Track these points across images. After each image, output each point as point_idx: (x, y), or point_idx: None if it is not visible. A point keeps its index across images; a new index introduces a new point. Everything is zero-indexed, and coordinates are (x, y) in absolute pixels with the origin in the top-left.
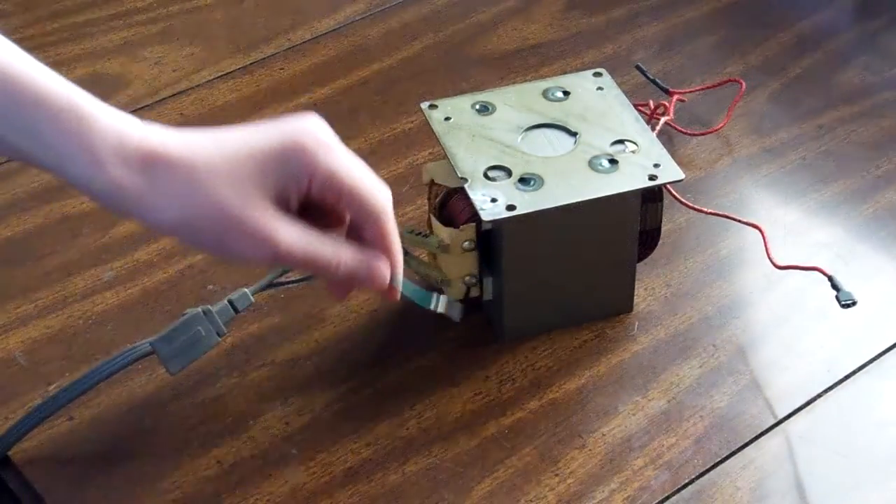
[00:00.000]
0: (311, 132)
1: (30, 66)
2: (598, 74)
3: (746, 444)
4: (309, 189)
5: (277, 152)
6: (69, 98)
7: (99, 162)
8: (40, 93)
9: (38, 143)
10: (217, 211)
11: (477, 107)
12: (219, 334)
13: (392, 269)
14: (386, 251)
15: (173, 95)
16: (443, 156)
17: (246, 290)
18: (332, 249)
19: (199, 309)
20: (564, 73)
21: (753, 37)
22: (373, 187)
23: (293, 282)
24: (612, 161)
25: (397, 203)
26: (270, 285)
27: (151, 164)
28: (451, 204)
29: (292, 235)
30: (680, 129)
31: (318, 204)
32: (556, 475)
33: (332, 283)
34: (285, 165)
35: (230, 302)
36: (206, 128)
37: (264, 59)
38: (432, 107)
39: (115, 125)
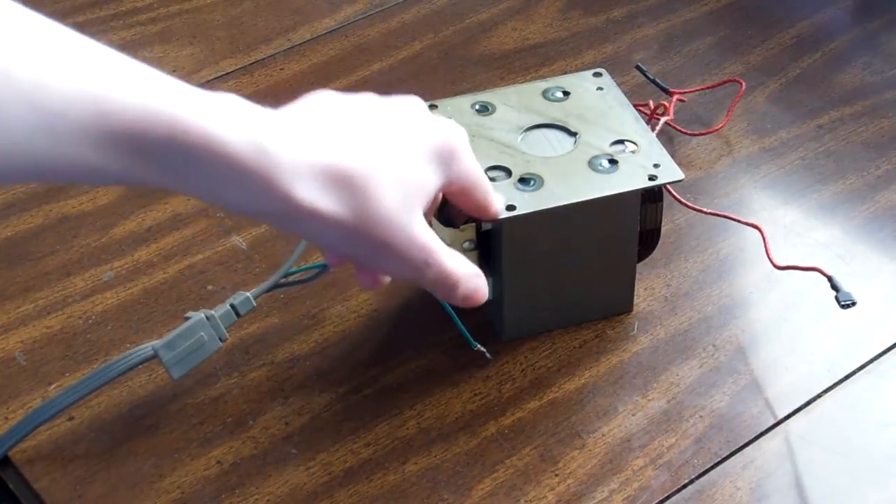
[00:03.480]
0: (457, 135)
1: (199, 105)
2: (598, 74)
3: (746, 444)
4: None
5: (437, 154)
6: (248, 138)
7: (280, 193)
8: (215, 141)
9: (213, 187)
10: (380, 231)
11: (477, 107)
12: (221, 340)
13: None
14: (487, 208)
15: None
16: None
17: (248, 293)
18: (459, 271)
19: (202, 314)
20: (564, 73)
21: (753, 37)
22: (489, 189)
23: (294, 283)
24: (612, 161)
25: None
26: (273, 288)
27: (341, 184)
28: (452, 204)
29: (437, 249)
30: (680, 129)
31: None
32: (556, 475)
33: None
34: (443, 169)
35: (232, 306)
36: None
37: (264, 59)
38: (432, 107)
39: (298, 150)
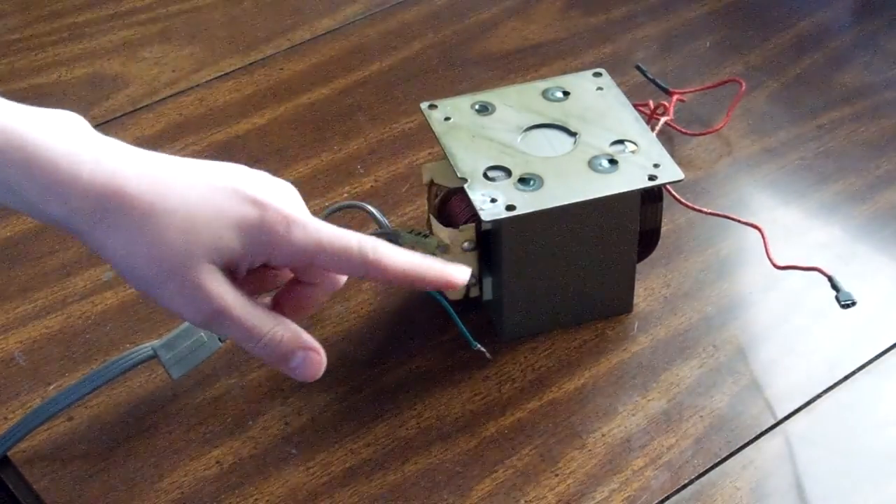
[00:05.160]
0: (278, 223)
1: None
2: (597, 74)
3: (746, 444)
4: (264, 261)
5: (244, 228)
6: (8, 129)
7: (53, 194)
8: None
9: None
10: (162, 258)
11: (477, 107)
12: (220, 339)
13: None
14: (393, 277)
15: (173, 95)
16: (443, 156)
17: None
18: (269, 327)
19: None
20: (564, 73)
21: (753, 37)
22: (344, 247)
23: None
24: (612, 161)
25: (397, 203)
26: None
27: (109, 199)
28: (451, 204)
29: (231, 304)
30: (680, 129)
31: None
32: (556, 475)
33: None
34: (248, 245)
35: None
36: (178, 152)
37: (264, 59)
38: (432, 107)
39: (69, 154)
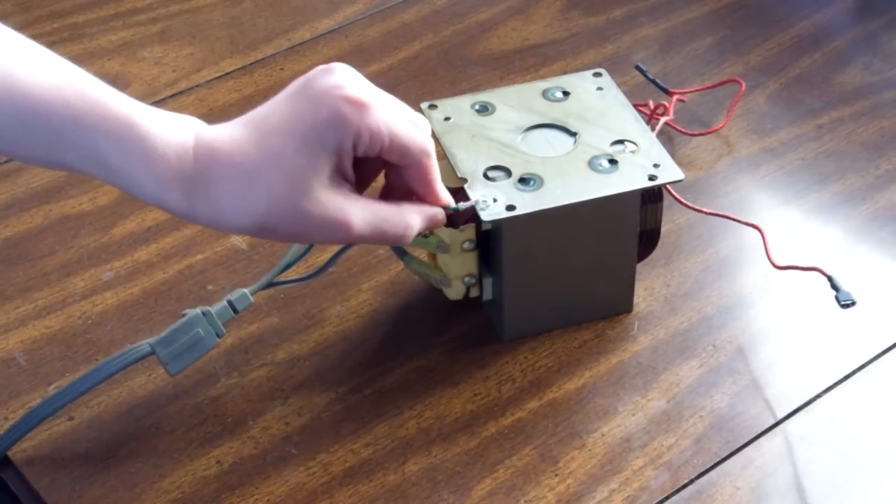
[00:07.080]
0: (342, 95)
1: (87, 84)
2: (597, 74)
3: (746, 444)
4: (356, 149)
5: (318, 130)
6: (127, 117)
7: (165, 186)
8: (100, 114)
9: (104, 168)
10: (283, 208)
11: (477, 107)
12: (218, 335)
13: (442, 204)
14: (431, 190)
15: (173, 95)
16: (443, 156)
17: (245, 290)
18: (399, 218)
19: (199, 310)
20: (564, 73)
21: (753, 37)
22: (412, 134)
23: (291, 281)
24: (612, 161)
25: None
26: (269, 285)
27: (208, 165)
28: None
29: (362, 215)
30: (680, 129)
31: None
32: (556, 475)
33: None
34: (329, 139)
35: (229, 302)
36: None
37: (264, 59)
38: (432, 107)
39: (171, 140)
